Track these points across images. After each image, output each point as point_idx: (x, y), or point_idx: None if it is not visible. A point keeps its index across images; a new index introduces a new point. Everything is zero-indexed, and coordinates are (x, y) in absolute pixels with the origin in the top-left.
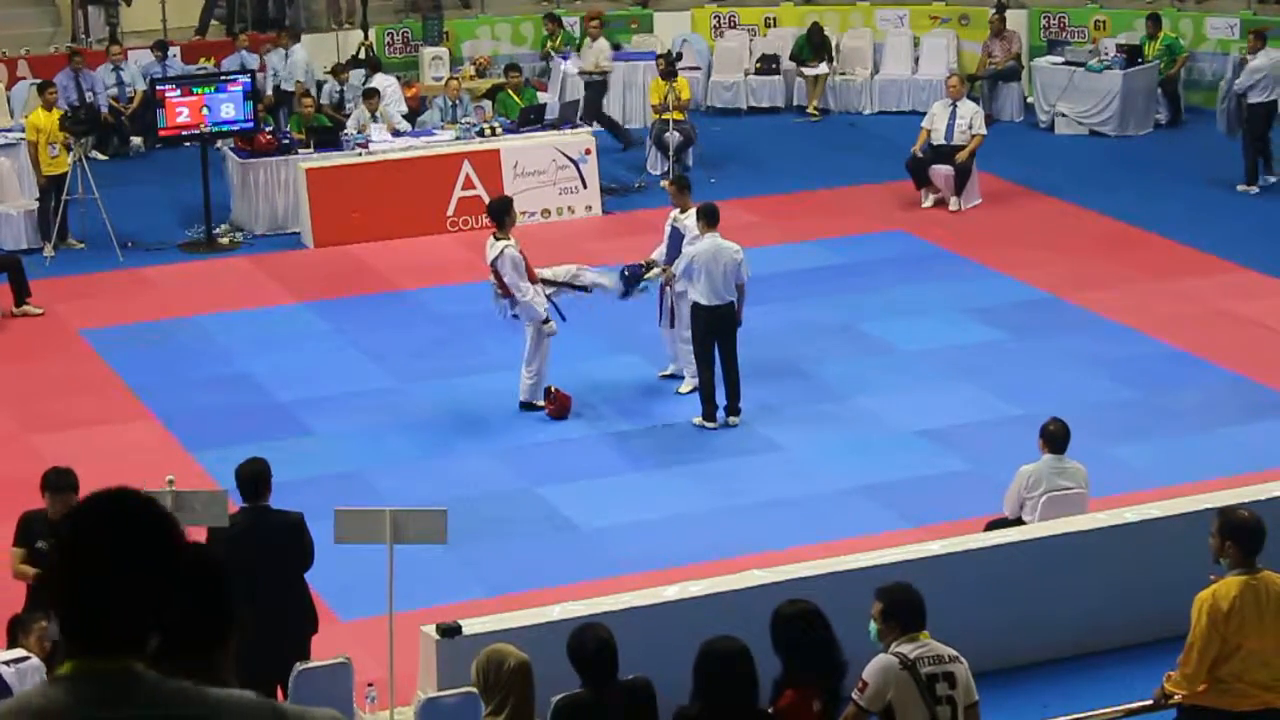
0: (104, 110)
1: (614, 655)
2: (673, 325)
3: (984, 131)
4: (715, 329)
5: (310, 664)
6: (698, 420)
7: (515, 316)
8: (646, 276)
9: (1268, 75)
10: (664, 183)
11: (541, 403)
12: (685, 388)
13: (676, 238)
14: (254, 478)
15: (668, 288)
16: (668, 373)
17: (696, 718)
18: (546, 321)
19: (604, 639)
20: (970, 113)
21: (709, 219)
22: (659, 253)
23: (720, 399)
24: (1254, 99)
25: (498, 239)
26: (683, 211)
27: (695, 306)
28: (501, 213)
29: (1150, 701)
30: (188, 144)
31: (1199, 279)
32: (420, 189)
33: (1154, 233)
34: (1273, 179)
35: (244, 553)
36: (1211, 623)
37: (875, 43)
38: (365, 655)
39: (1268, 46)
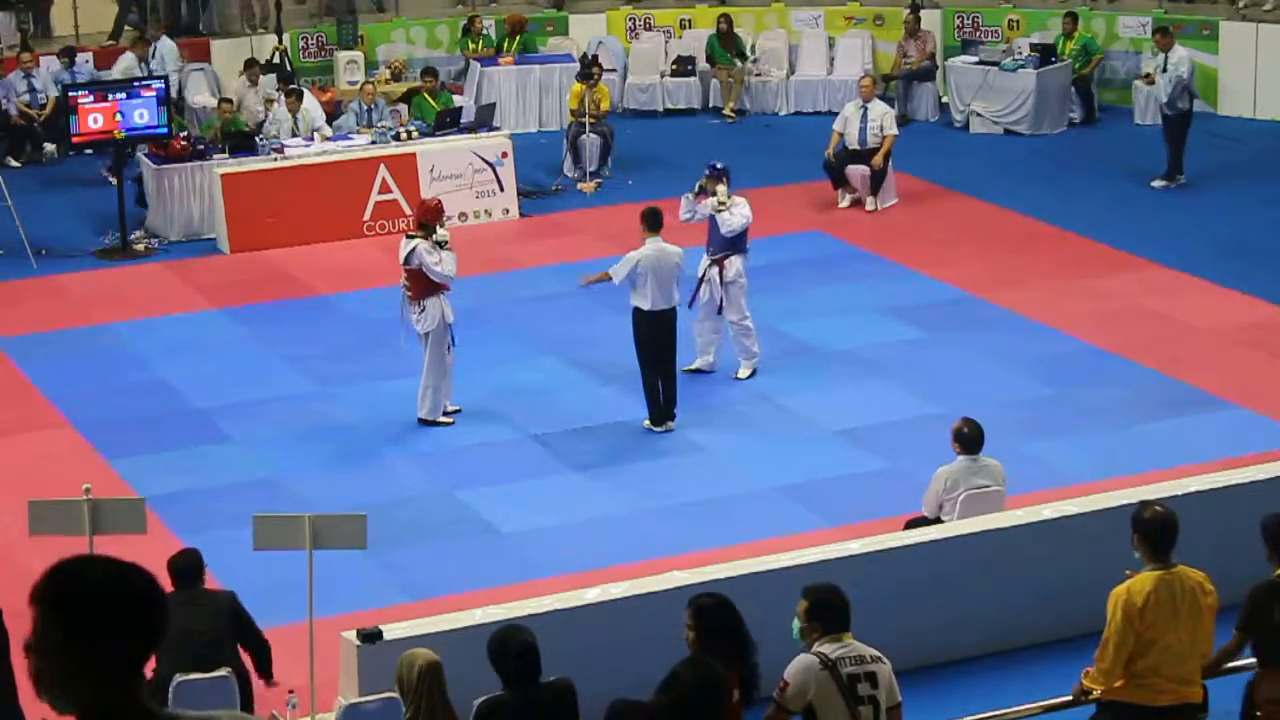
0: (14, 116)
1: (538, 658)
2: (719, 312)
3: (895, 132)
4: (659, 334)
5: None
6: (646, 424)
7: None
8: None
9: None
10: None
11: (445, 420)
12: (744, 372)
13: (713, 225)
14: (188, 568)
15: (709, 276)
16: (693, 367)
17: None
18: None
19: (528, 642)
20: (881, 114)
21: (651, 224)
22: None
23: None
24: (1172, 96)
25: (412, 239)
26: (721, 201)
27: (638, 312)
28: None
29: (1069, 697)
30: (96, 151)
31: (1115, 276)
32: (336, 194)
33: (1070, 230)
34: (1177, 183)
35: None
36: (1126, 618)
37: (790, 44)
38: (286, 661)
39: (1177, 44)
